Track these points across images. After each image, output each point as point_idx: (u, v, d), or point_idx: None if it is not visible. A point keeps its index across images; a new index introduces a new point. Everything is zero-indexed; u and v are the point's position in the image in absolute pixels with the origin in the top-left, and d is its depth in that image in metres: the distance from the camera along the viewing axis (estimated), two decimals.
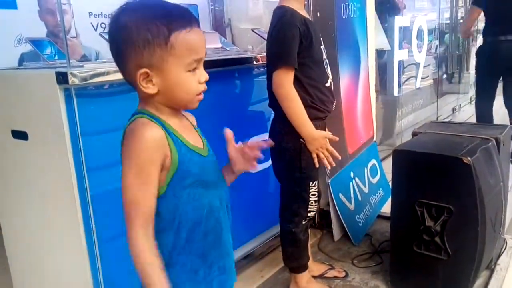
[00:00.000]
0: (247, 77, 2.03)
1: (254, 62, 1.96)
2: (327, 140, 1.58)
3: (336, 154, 1.59)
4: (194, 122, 1.01)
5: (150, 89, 0.84)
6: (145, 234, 0.82)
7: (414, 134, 1.87)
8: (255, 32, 2.25)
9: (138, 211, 0.82)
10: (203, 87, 0.88)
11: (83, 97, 1.27)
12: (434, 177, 1.53)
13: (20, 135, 1.43)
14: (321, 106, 1.58)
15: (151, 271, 0.80)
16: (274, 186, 2.19)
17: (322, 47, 1.62)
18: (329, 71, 1.63)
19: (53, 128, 1.29)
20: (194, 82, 0.86)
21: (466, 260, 1.51)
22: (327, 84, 1.61)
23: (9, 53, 1.79)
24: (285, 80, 1.48)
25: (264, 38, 2.24)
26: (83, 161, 1.29)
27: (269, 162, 2.12)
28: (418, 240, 1.61)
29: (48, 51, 1.61)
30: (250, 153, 1.00)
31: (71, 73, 1.19)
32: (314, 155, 1.57)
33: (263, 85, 2.05)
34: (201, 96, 0.89)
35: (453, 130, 1.81)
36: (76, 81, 1.20)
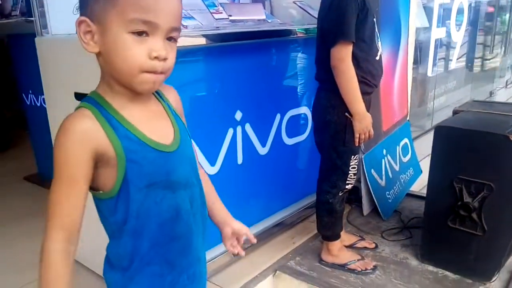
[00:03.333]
0: (290, 49, 2.06)
1: (298, 35, 1.99)
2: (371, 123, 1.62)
3: (372, 136, 1.64)
4: (177, 105, 0.86)
5: (90, 46, 0.72)
6: (62, 240, 0.70)
7: (455, 112, 1.89)
8: (297, 5, 2.26)
9: (57, 214, 0.71)
10: (156, 64, 0.70)
11: None
12: (476, 154, 1.56)
13: (83, 97, 1.52)
14: (371, 80, 1.62)
15: (53, 283, 0.69)
16: (306, 160, 2.26)
17: (375, 19, 1.63)
18: (379, 44, 1.65)
19: None
20: (138, 51, 0.69)
21: (502, 237, 1.55)
22: (377, 58, 1.64)
23: (69, 20, 1.87)
24: (345, 55, 1.51)
25: (306, 11, 2.26)
26: None
27: (304, 136, 2.19)
28: (454, 215, 1.66)
29: None
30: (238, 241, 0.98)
31: None
32: (357, 134, 1.61)
33: (304, 58, 2.10)
34: (151, 76, 0.71)
35: (496, 109, 1.82)
36: None
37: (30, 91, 2.96)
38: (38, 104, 2.92)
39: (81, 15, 0.72)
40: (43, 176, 3.14)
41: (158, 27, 0.70)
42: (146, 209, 0.76)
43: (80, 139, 0.70)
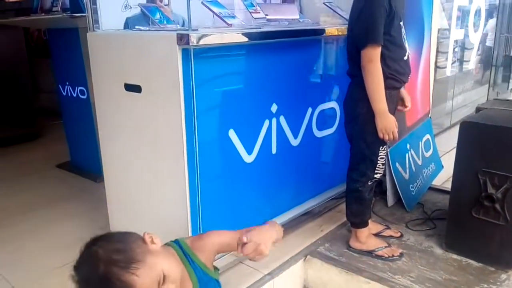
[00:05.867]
0: (321, 48, 2.17)
1: (329, 34, 2.09)
2: (395, 126, 1.71)
3: (396, 137, 1.74)
4: (205, 257, 1.14)
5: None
6: None
7: (478, 109, 1.99)
8: (327, 6, 2.37)
9: None
10: None
11: (199, 56, 1.46)
12: (500, 148, 1.67)
13: (133, 88, 1.66)
14: (399, 77, 1.73)
15: None
16: (334, 152, 2.37)
17: (401, 23, 1.74)
18: (406, 45, 1.76)
19: (168, 83, 1.50)
20: None
21: None
22: (405, 58, 1.75)
23: (117, 17, 2.01)
24: (374, 57, 1.63)
25: (335, 12, 2.36)
26: (195, 114, 1.50)
27: (332, 129, 2.30)
28: (478, 206, 1.76)
29: (157, 16, 1.82)
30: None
31: (191, 35, 1.38)
32: (380, 134, 1.72)
33: (334, 56, 2.21)
34: None
35: None
36: (195, 42, 1.39)
37: (67, 83, 3.10)
38: (74, 95, 3.06)
39: None
40: (75, 164, 3.29)
41: None
42: None
43: None
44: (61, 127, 3.52)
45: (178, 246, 1.13)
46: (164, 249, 1.08)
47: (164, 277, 0.96)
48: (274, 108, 1.90)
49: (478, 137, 1.74)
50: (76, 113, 3.13)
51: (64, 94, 3.16)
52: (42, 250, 2.11)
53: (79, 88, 3.00)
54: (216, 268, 1.18)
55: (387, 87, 1.70)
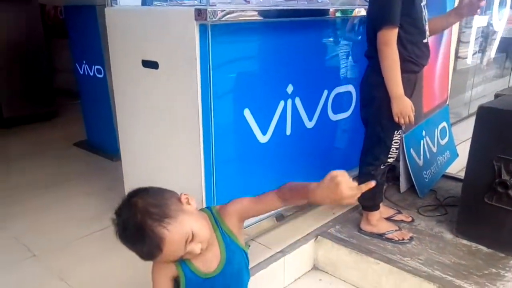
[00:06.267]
0: (339, 29, 2.15)
1: (348, 15, 2.07)
2: (412, 110, 1.70)
3: (412, 121, 1.73)
4: (232, 224, 1.17)
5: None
6: None
7: (497, 95, 1.96)
8: None
9: None
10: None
11: (216, 33, 1.47)
12: None
13: (150, 64, 1.68)
14: (417, 60, 1.71)
15: None
16: (348, 136, 2.37)
17: (423, 3, 1.71)
18: (427, 28, 1.73)
19: (185, 59, 1.51)
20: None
21: None
22: (425, 40, 1.72)
23: None
24: (390, 39, 1.61)
25: None
26: (211, 90, 1.51)
27: (347, 113, 2.30)
28: (491, 192, 1.75)
29: None
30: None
31: (209, 10, 1.39)
32: (396, 118, 1.71)
33: (352, 37, 2.19)
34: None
35: None
36: (213, 18, 1.40)
37: (84, 61, 3.14)
38: (91, 74, 3.10)
39: None
40: (92, 143, 3.35)
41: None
42: None
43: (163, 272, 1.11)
44: (77, 107, 3.59)
45: (210, 212, 1.18)
46: (197, 212, 1.14)
47: (193, 236, 1.04)
48: (290, 89, 1.91)
49: (495, 122, 1.73)
50: (93, 92, 3.18)
51: (81, 73, 3.20)
52: (62, 222, 2.19)
53: (96, 67, 3.03)
54: (247, 244, 1.23)
55: (405, 71, 1.68)
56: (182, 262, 1.11)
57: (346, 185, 0.98)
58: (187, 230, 1.03)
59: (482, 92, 4.54)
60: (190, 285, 1.12)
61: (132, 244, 1.03)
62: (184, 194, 1.12)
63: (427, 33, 1.74)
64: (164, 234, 0.99)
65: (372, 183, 0.99)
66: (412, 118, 1.71)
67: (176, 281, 1.14)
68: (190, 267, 1.12)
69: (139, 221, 1.00)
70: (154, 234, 0.99)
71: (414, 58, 1.70)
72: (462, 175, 2.16)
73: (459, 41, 3.82)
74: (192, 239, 1.04)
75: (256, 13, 1.57)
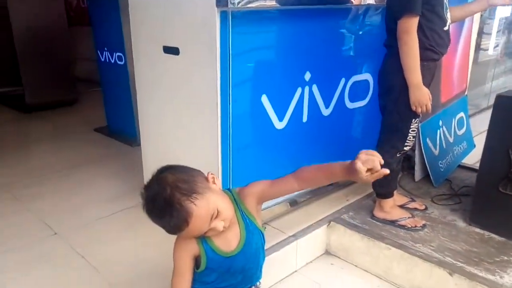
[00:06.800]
0: (358, 17, 2.16)
1: (367, 3, 2.08)
2: (429, 99, 1.71)
3: (429, 111, 1.74)
4: (251, 205, 1.21)
5: None
6: None
7: None
8: None
9: None
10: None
11: (237, 20, 1.51)
12: None
13: (171, 50, 1.72)
14: (437, 48, 1.72)
15: None
16: (364, 125, 2.38)
17: None
18: (448, 15, 1.73)
19: (205, 45, 1.55)
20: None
21: None
22: (445, 28, 1.72)
23: None
24: (410, 28, 1.62)
25: None
26: (230, 76, 1.55)
27: (364, 102, 2.31)
28: (506, 181, 1.76)
29: None
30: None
31: None
32: (413, 107, 1.72)
33: (372, 26, 2.19)
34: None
35: None
36: (234, 5, 1.43)
37: (106, 49, 3.22)
38: (112, 61, 3.18)
39: None
40: (112, 129, 3.44)
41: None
42: (213, 280, 1.20)
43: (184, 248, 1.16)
44: (97, 94, 3.68)
45: (230, 193, 1.23)
46: (222, 191, 1.19)
47: (218, 213, 1.08)
48: (307, 76, 1.93)
49: None
50: (114, 79, 3.25)
51: (103, 60, 3.28)
52: (83, 203, 2.28)
53: (117, 54, 3.11)
54: (263, 226, 1.27)
55: (424, 59, 1.69)
56: (203, 240, 1.15)
57: (364, 173, 1.00)
58: (213, 206, 1.07)
59: (503, 84, 4.47)
60: (211, 263, 1.16)
61: (159, 217, 1.06)
62: (211, 173, 1.16)
63: (448, 20, 1.74)
64: (191, 209, 1.03)
65: (386, 171, 1.01)
66: (430, 107, 1.72)
67: (196, 260, 1.18)
68: (211, 246, 1.16)
69: (168, 195, 1.03)
70: (182, 208, 1.03)
71: (434, 46, 1.70)
72: (478, 166, 2.16)
73: (481, 32, 3.77)
74: (217, 216, 1.08)
75: (274, 1, 1.59)
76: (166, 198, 1.03)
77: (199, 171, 1.16)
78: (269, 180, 1.22)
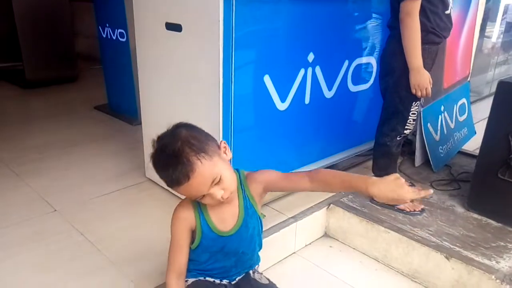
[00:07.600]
0: None
1: None
2: (430, 82, 1.70)
3: (429, 94, 1.73)
4: (255, 191, 1.22)
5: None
6: (175, 278, 1.20)
7: None
8: None
9: (171, 264, 1.21)
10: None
11: None
12: None
13: (174, 27, 1.70)
14: (439, 32, 1.70)
15: None
16: (366, 108, 2.38)
17: None
18: None
19: (208, 22, 1.53)
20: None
21: None
22: (447, 12, 1.71)
23: None
24: (413, 10, 1.61)
25: None
26: (233, 54, 1.54)
27: (367, 85, 2.30)
28: (505, 167, 1.76)
29: None
30: None
31: None
32: (413, 90, 1.71)
33: (376, 9, 2.16)
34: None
35: None
36: None
37: (107, 25, 3.16)
38: (114, 38, 3.13)
39: None
40: (112, 107, 3.42)
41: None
42: (205, 259, 1.23)
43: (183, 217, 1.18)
44: (98, 71, 3.64)
45: (238, 174, 1.22)
46: (230, 164, 1.18)
47: (220, 180, 1.07)
48: (311, 57, 1.92)
49: None
50: (115, 56, 3.21)
51: (104, 36, 3.23)
52: (82, 181, 2.27)
53: (119, 30, 3.06)
54: (263, 214, 1.28)
55: (426, 42, 1.68)
56: (201, 213, 1.16)
57: (408, 188, 1.05)
58: (218, 171, 1.07)
59: (506, 71, 4.45)
60: (205, 239, 1.18)
61: (163, 168, 1.06)
62: (224, 142, 1.15)
63: (450, 4, 1.72)
64: (196, 165, 1.03)
65: (431, 191, 1.06)
66: (430, 91, 1.72)
67: (192, 235, 1.19)
68: (208, 222, 1.17)
69: (177, 147, 1.04)
70: (188, 162, 1.03)
71: (437, 29, 1.69)
72: (478, 153, 2.17)
73: (486, 19, 3.72)
74: (218, 183, 1.07)
75: None
76: (174, 150, 1.04)
77: (214, 138, 1.15)
78: (282, 173, 1.22)
